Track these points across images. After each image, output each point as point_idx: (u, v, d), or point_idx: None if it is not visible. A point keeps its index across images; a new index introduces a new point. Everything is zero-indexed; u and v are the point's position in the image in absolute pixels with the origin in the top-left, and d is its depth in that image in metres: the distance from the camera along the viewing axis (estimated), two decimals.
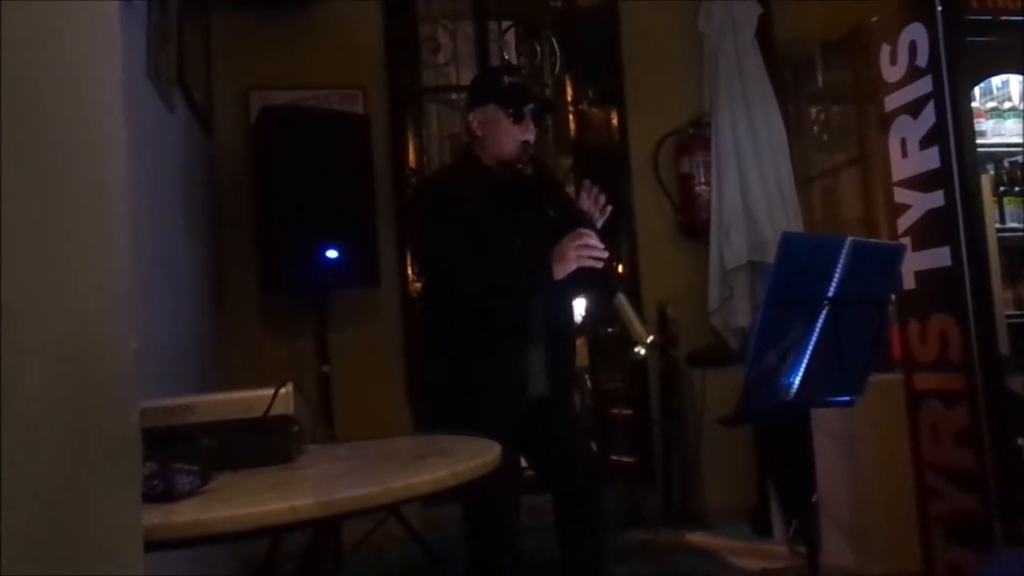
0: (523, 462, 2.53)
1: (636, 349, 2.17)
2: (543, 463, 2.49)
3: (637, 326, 2.16)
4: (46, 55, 0.66)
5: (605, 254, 2.21)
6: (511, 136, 2.35)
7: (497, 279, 2.29)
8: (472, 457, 1.36)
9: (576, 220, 2.26)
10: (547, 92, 4.73)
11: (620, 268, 4.47)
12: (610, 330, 4.54)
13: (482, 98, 2.41)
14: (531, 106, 2.37)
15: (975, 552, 2.65)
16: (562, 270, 2.22)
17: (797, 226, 4.27)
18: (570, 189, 3.90)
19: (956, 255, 2.73)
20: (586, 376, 4.80)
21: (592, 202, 2.33)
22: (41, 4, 0.66)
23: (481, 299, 2.30)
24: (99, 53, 0.79)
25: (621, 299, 2.20)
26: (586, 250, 2.20)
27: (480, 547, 2.32)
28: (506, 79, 2.48)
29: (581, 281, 2.29)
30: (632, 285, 4.53)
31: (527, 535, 2.49)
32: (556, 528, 2.40)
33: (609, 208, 2.35)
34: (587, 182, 2.39)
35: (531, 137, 2.38)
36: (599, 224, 2.29)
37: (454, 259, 2.30)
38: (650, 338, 2.19)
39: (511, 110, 2.34)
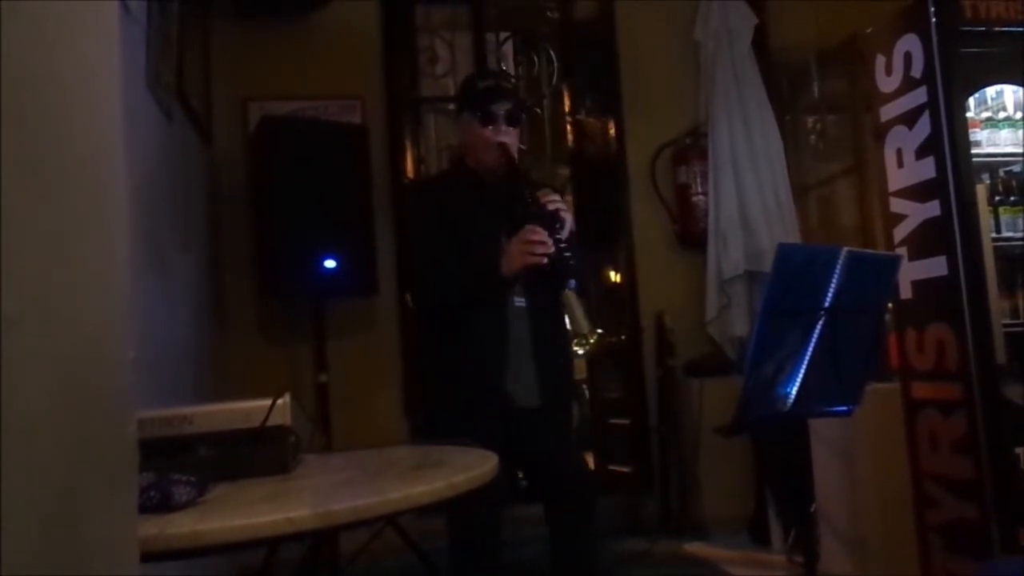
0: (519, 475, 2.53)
1: (575, 342, 2.20)
2: (533, 474, 2.50)
3: (580, 321, 2.19)
4: (46, 63, 0.66)
5: (551, 250, 2.16)
6: (485, 139, 2.35)
7: (448, 279, 2.30)
8: (469, 468, 1.36)
9: (541, 216, 2.23)
10: (542, 98, 4.71)
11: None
12: (611, 340, 4.54)
13: (461, 107, 2.45)
14: (504, 108, 2.35)
15: (973, 560, 2.65)
16: (509, 268, 2.21)
17: (794, 236, 4.28)
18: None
19: (952, 265, 2.73)
20: (584, 386, 4.80)
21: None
22: (41, 12, 0.66)
23: (433, 298, 2.35)
24: (99, 61, 0.79)
25: (568, 295, 2.22)
26: (529, 247, 2.17)
27: (458, 558, 2.33)
28: (479, 84, 2.46)
29: (540, 278, 2.25)
30: (630, 294, 4.55)
31: (524, 545, 2.48)
32: (549, 539, 2.39)
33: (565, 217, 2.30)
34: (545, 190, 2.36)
35: (508, 139, 2.35)
36: (567, 222, 2.25)
37: (421, 260, 2.36)
38: (595, 334, 2.21)
39: (479, 113, 2.35)
